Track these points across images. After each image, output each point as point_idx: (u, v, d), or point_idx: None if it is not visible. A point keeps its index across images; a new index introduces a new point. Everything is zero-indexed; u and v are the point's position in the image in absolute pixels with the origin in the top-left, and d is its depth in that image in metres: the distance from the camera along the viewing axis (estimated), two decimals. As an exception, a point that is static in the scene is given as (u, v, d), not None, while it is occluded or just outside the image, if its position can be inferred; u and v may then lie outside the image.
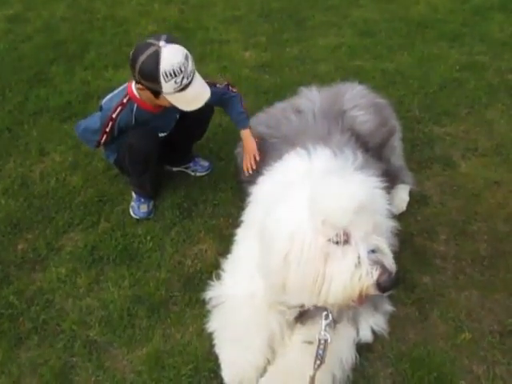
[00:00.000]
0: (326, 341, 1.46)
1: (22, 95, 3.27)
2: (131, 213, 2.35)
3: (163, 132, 2.30)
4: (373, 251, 1.34)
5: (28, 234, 2.27)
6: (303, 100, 2.21)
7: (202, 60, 3.65)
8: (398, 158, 2.24)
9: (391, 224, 1.71)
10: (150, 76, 1.95)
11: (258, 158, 2.15)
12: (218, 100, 2.29)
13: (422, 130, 2.78)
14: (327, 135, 1.95)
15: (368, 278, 1.32)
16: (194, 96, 2.03)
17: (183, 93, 1.98)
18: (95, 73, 3.50)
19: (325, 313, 1.51)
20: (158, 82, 1.93)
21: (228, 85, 2.31)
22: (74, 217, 2.35)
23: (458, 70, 3.31)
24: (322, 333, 1.47)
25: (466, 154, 2.59)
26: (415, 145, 2.66)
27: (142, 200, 2.35)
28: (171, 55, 1.92)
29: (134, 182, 2.37)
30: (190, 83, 1.98)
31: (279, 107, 2.29)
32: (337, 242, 1.36)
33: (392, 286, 1.34)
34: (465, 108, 2.94)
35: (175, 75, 1.92)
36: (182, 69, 1.93)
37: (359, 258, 1.34)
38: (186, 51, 1.98)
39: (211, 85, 2.24)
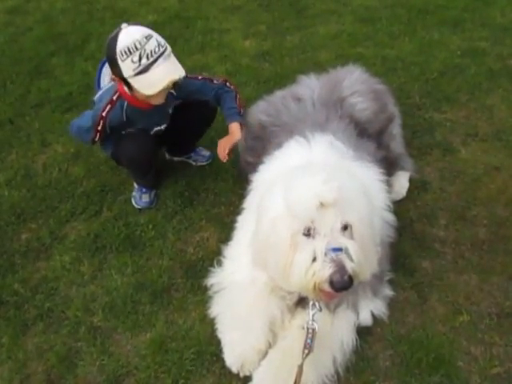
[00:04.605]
0: (313, 330, 1.48)
1: (23, 87, 3.29)
2: (133, 203, 2.37)
3: (159, 126, 2.27)
4: (338, 250, 1.34)
5: (32, 224, 2.30)
6: (302, 88, 2.22)
7: (202, 49, 3.66)
8: (397, 144, 2.24)
9: (382, 219, 1.71)
10: (111, 60, 1.93)
11: (230, 155, 2.22)
12: (214, 96, 2.28)
13: (423, 117, 2.78)
14: (326, 123, 1.95)
15: (321, 273, 1.34)
16: (159, 77, 1.92)
17: (145, 75, 1.90)
18: (96, 64, 3.45)
19: (311, 302, 1.53)
20: (118, 65, 1.90)
21: (226, 81, 2.30)
22: (77, 206, 2.37)
23: (459, 56, 3.29)
24: (310, 322, 1.49)
25: (466, 139, 2.59)
26: (415, 131, 2.66)
27: (144, 190, 2.36)
28: (128, 34, 1.89)
29: (133, 175, 2.40)
30: (152, 64, 1.89)
31: (279, 95, 2.28)
32: (304, 234, 1.40)
33: (343, 286, 1.33)
34: (465, 94, 2.93)
35: (130, 53, 1.87)
36: (138, 46, 1.87)
37: (316, 252, 1.36)
38: (149, 32, 1.92)
39: (208, 80, 2.25)
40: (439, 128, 2.68)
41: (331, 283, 1.34)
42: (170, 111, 2.28)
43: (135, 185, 2.39)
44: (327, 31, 3.75)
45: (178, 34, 3.86)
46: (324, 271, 1.34)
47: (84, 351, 1.77)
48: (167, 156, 2.65)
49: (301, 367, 1.42)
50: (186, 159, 2.62)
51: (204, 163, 2.60)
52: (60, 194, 2.45)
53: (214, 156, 2.62)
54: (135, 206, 2.36)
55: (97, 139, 2.17)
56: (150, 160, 2.27)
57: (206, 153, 2.62)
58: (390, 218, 1.79)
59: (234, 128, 2.25)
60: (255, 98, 2.57)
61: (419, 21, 3.77)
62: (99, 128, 2.10)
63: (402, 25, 3.74)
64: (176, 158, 2.64)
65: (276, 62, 3.43)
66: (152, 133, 2.26)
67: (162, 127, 2.29)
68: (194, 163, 2.61)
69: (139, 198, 2.36)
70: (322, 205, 1.36)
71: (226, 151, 2.19)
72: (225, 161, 2.22)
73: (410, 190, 2.28)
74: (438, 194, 2.29)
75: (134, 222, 2.27)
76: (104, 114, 2.07)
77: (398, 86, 2.99)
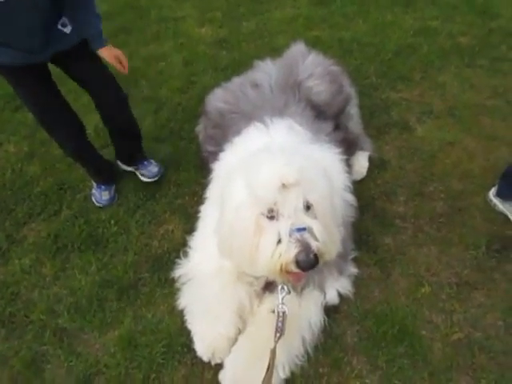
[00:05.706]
0: (284, 313, 1.49)
1: (-33, 86, 3.11)
2: (94, 201, 2.30)
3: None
4: (303, 230, 1.35)
5: (-14, 229, 2.21)
6: (259, 73, 2.20)
7: (157, 38, 3.57)
8: (355, 125, 2.27)
9: (342, 199, 1.73)
10: None
11: (125, 63, 1.97)
12: None
13: (379, 97, 2.83)
14: (284, 107, 1.95)
15: (286, 254, 1.34)
16: None
17: None
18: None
19: (280, 286, 1.54)
20: None
21: None
22: (35, 207, 2.29)
23: (412, 36, 3.36)
24: (280, 305, 1.50)
25: (421, 117, 2.66)
26: (373, 111, 2.71)
27: (103, 187, 2.29)
28: None
29: (88, 173, 2.31)
30: None
31: (237, 82, 2.26)
32: (268, 217, 1.39)
33: (309, 265, 1.34)
34: (419, 72, 3.00)
35: None
36: None
37: (281, 234, 1.36)
38: None
39: None
40: (395, 107, 2.74)
41: (297, 263, 1.34)
42: None
43: (93, 183, 2.32)
44: (283, 15, 3.74)
45: (131, 25, 3.75)
46: (289, 252, 1.34)
47: (51, 354, 1.73)
48: (119, 164, 2.45)
49: (273, 351, 1.43)
50: (134, 170, 2.41)
51: (150, 180, 2.34)
52: (15, 196, 2.35)
53: (164, 170, 2.41)
54: (96, 204, 2.29)
55: None
56: (83, 155, 2.17)
57: (154, 169, 2.36)
58: (351, 198, 1.82)
59: (108, 51, 1.89)
60: (213, 85, 2.53)
61: (372, 2, 3.82)
62: None
63: (355, 6, 3.78)
64: (127, 168, 2.43)
65: (233, 48, 3.39)
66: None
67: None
68: (141, 177, 2.37)
69: (99, 195, 2.29)
70: (283, 186, 1.36)
71: (123, 63, 1.96)
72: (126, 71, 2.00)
73: (369, 169, 2.33)
74: (397, 171, 2.35)
75: (96, 219, 2.22)
76: None
77: (355, 68, 3.02)
